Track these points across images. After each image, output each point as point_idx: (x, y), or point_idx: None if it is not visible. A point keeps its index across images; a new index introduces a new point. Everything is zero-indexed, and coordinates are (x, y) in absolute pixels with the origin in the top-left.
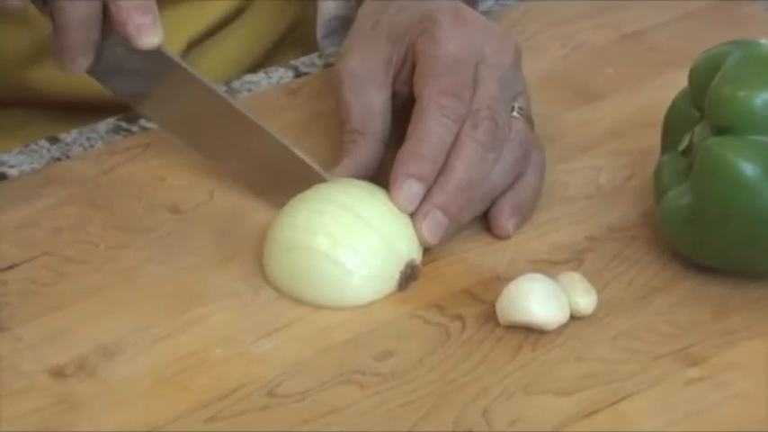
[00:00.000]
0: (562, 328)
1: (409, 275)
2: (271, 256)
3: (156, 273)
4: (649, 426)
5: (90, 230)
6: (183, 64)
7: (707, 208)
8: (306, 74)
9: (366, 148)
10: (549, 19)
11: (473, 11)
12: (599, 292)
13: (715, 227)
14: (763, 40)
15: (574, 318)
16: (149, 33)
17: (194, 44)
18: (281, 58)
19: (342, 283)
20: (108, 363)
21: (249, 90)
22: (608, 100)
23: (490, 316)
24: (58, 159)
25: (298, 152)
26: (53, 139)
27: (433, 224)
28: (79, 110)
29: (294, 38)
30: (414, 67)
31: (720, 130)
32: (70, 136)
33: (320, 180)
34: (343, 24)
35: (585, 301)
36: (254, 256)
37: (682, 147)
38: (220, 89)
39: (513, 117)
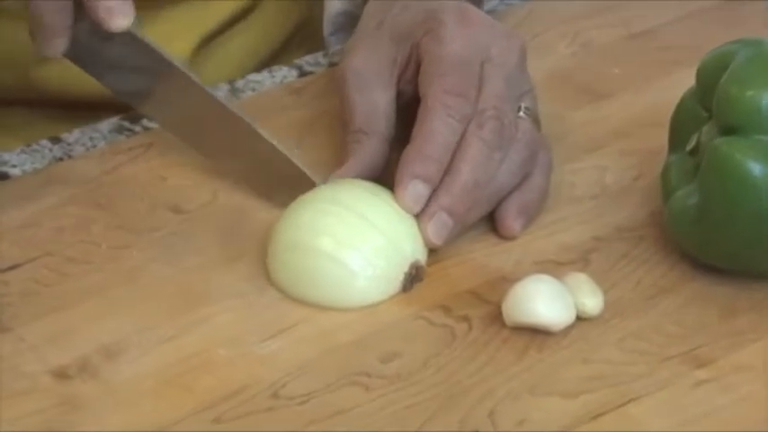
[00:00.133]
0: (568, 329)
1: (414, 276)
2: (275, 257)
3: (159, 273)
4: (657, 428)
5: (92, 230)
6: (175, 61)
7: (714, 208)
8: (310, 73)
9: (370, 148)
10: (555, 17)
11: (478, 10)
12: (606, 292)
13: (722, 227)
14: None
15: (580, 319)
16: (119, 15)
17: (202, 44)
18: (287, 58)
19: (346, 284)
20: (111, 363)
21: (253, 89)
22: (615, 99)
23: (496, 317)
24: (60, 159)
25: (289, 154)
26: (55, 139)
27: (439, 225)
28: (82, 109)
29: (301, 37)
30: (418, 66)
31: (728, 130)
32: (72, 136)
33: (313, 185)
34: (350, 21)
35: (592, 302)
36: (258, 257)
37: (689, 146)
38: (215, 90)
39: (520, 117)
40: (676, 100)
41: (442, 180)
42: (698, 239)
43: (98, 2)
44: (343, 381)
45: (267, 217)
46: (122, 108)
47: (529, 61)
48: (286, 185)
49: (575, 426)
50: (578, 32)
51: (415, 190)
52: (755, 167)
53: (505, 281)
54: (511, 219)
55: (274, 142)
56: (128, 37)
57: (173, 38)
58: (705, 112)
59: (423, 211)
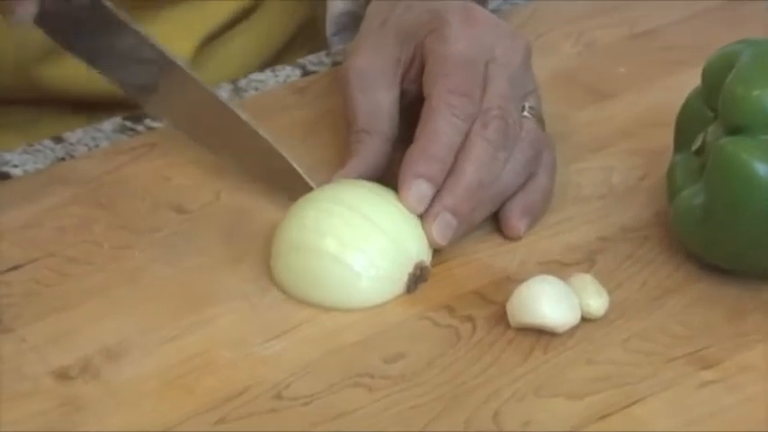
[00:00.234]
0: (573, 330)
1: (418, 277)
2: (278, 258)
3: (162, 273)
4: (662, 428)
5: (94, 231)
6: (173, 57)
7: (720, 208)
8: (313, 72)
9: (373, 148)
10: (560, 17)
11: (483, 9)
12: (611, 293)
13: (728, 227)
14: None
15: (585, 320)
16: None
17: (203, 44)
18: (290, 58)
19: (350, 285)
20: (113, 364)
21: (256, 89)
22: (620, 99)
23: (501, 317)
24: (62, 159)
25: (287, 155)
26: (57, 139)
27: (443, 226)
28: (86, 107)
29: (304, 37)
30: (422, 66)
31: (734, 130)
32: (75, 135)
33: (309, 188)
34: (353, 21)
35: (597, 302)
36: (262, 257)
37: (695, 146)
38: (214, 88)
39: (524, 117)
40: (681, 100)
41: (445, 180)
42: (703, 240)
43: None
44: (347, 381)
45: (270, 217)
46: (125, 107)
47: (533, 61)
48: (287, 184)
49: (580, 427)
50: (582, 32)
51: (419, 189)
52: (761, 167)
53: (510, 281)
54: (515, 219)
55: (272, 142)
56: (119, 24)
57: (174, 38)
58: (711, 112)
59: (427, 211)
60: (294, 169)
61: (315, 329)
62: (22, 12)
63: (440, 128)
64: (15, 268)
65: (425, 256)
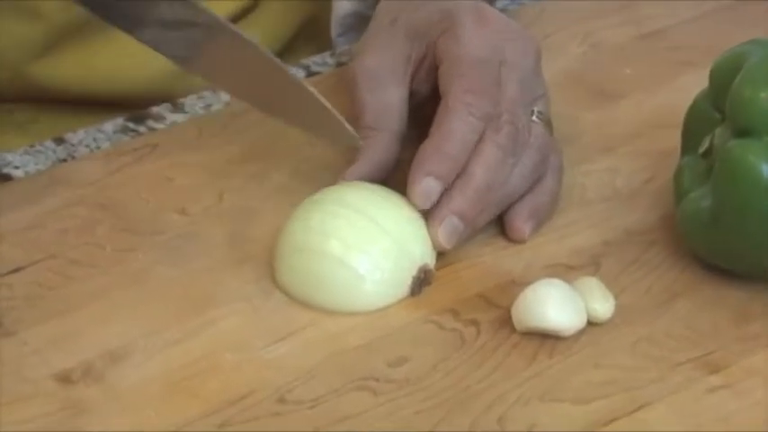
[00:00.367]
0: (579, 334)
1: (422, 280)
2: (282, 260)
3: (165, 276)
4: None
5: (97, 232)
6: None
7: (727, 211)
8: (317, 73)
9: (381, 145)
10: (567, 17)
11: (494, 9)
12: (617, 297)
13: (735, 230)
14: None
15: (591, 324)
16: None
17: None
18: (292, 58)
19: (354, 288)
20: (116, 367)
21: None
22: (627, 100)
23: (505, 321)
24: (64, 160)
25: (327, 104)
26: (59, 140)
27: (449, 229)
28: (87, 105)
29: (306, 38)
30: (433, 66)
31: (741, 132)
32: (76, 136)
33: (350, 136)
34: (359, 21)
35: (603, 306)
36: (265, 260)
37: (702, 149)
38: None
39: (533, 121)
40: (688, 101)
41: (454, 183)
42: (710, 243)
43: None
44: (351, 385)
45: (274, 219)
46: (125, 106)
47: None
48: (329, 133)
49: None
50: (590, 32)
51: (428, 186)
52: None
53: (515, 285)
54: (521, 221)
55: (317, 95)
56: None
57: None
58: (718, 114)
59: (434, 214)
60: (336, 118)
61: (318, 333)
62: None
63: (455, 126)
64: (17, 270)
65: (430, 259)
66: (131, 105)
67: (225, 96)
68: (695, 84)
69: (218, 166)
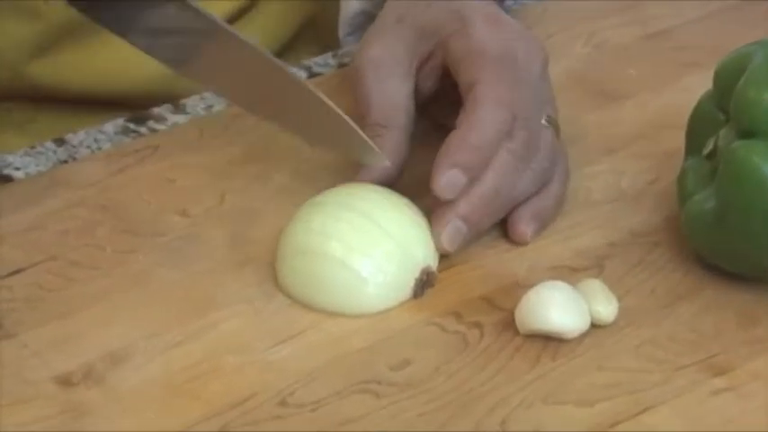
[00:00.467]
0: (582, 336)
1: (425, 282)
2: (284, 262)
3: (166, 278)
4: None
5: (98, 234)
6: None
7: (731, 213)
8: (319, 74)
9: (393, 143)
10: (570, 17)
11: (501, 11)
12: (620, 299)
13: (740, 232)
14: None
15: (594, 326)
16: None
17: None
18: (292, 59)
19: (356, 291)
20: (116, 370)
21: None
22: (630, 100)
23: (509, 324)
24: (65, 161)
25: (335, 107)
26: (59, 141)
27: (453, 233)
28: (86, 105)
29: (305, 39)
30: (438, 65)
31: (746, 134)
32: (77, 137)
33: (361, 142)
34: (368, 20)
35: (606, 309)
36: (267, 262)
37: (706, 150)
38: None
39: (543, 126)
40: (693, 102)
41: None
42: (715, 245)
43: None
44: (353, 388)
45: (275, 221)
46: (125, 106)
47: None
48: (337, 140)
49: None
50: (593, 32)
51: (454, 177)
52: None
53: (518, 287)
54: (524, 224)
55: (323, 97)
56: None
57: None
58: (722, 116)
59: (438, 217)
60: (345, 122)
61: (320, 335)
62: None
63: (483, 117)
64: (17, 272)
65: (432, 261)
66: (131, 105)
67: None
68: (700, 84)
69: (219, 167)
